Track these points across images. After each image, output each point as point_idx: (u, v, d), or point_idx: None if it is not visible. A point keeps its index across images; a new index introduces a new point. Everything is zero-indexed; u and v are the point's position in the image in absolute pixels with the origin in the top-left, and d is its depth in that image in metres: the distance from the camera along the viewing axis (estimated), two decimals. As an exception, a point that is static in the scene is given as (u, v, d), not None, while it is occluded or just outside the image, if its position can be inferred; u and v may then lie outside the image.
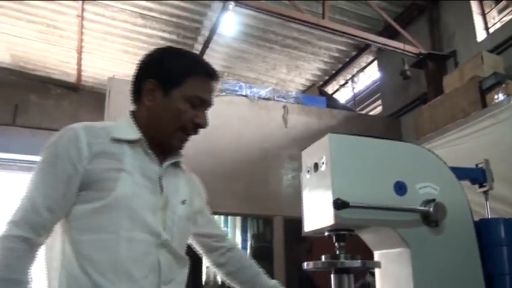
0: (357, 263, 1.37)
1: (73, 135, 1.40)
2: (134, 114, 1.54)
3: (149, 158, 1.47)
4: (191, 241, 1.71)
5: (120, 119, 1.55)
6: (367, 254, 1.59)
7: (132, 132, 1.48)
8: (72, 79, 8.23)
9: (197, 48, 7.18)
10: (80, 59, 7.59)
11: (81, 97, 8.43)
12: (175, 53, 1.58)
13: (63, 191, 1.35)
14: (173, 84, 1.48)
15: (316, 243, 4.96)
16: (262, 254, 5.88)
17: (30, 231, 1.28)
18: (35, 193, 1.33)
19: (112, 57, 7.55)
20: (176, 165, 1.59)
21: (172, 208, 1.48)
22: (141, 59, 1.58)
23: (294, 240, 5.47)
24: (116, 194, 1.36)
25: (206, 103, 1.54)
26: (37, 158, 1.41)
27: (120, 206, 1.36)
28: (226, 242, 1.79)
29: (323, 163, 1.41)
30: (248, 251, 6.83)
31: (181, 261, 1.50)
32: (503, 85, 3.98)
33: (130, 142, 1.45)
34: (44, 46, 7.27)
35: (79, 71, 7.96)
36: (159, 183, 1.47)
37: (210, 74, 1.54)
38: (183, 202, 1.54)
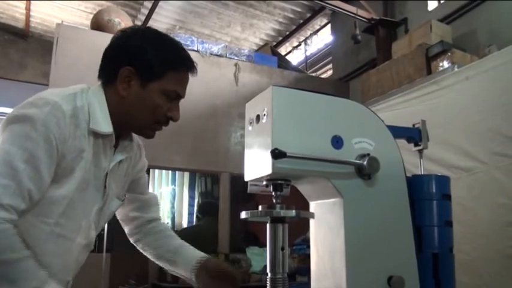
0: (291, 213, 1.41)
1: (59, 115, 1.31)
2: (106, 97, 1.45)
3: (105, 153, 1.45)
4: None
5: (92, 97, 1.44)
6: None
7: (106, 124, 1.42)
8: (21, 24, 7.89)
9: (150, -1, 7.00)
10: (29, 4, 7.26)
11: (29, 45, 8.10)
12: (156, 42, 1.48)
13: (47, 177, 1.29)
14: (153, 76, 1.43)
15: (261, 200, 5.06)
16: (208, 210, 5.95)
17: (15, 214, 1.21)
18: (20, 174, 1.22)
19: (62, 3, 7.25)
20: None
21: (109, 205, 1.52)
22: (117, 37, 1.49)
23: (240, 198, 5.56)
24: (63, 189, 1.34)
25: (181, 97, 1.52)
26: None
27: (62, 202, 1.35)
28: (150, 213, 1.78)
29: (265, 115, 1.43)
30: (195, 208, 6.90)
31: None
32: (449, 53, 4.10)
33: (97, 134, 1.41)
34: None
35: (27, 16, 7.62)
36: (104, 181, 1.47)
37: (190, 69, 1.52)
38: (120, 197, 1.59)
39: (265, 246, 1.44)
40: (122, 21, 5.05)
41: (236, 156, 5.26)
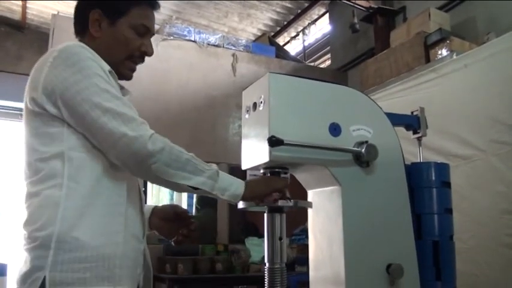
0: (289, 203, 1.40)
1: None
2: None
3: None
4: None
5: None
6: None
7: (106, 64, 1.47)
8: (17, 16, 7.83)
9: (146, -10, 6.93)
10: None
11: (25, 36, 8.02)
12: None
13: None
14: (119, 13, 1.49)
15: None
16: (207, 201, 5.94)
17: None
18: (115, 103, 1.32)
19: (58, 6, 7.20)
20: None
21: None
22: None
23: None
24: None
25: (150, 32, 1.57)
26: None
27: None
28: None
29: (262, 102, 1.42)
30: (194, 199, 6.90)
31: None
32: (448, 41, 4.07)
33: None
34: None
35: (24, 7, 7.55)
36: None
37: (152, 4, 1.60)
38: None
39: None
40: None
41: (234, 146, 5.24)
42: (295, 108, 1.41)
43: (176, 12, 7.50)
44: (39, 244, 1.23)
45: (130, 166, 1.31)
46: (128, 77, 1.57)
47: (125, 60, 1.52)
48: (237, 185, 1.36)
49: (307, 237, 3.48)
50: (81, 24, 1.52)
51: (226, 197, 1.35)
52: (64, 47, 1.37)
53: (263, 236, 3.70)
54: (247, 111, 1.52)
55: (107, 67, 1.40)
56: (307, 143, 1.36)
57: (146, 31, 1.55)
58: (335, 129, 1.45)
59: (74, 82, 1.29)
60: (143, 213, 1.50)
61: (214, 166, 1.38)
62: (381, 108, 1.60)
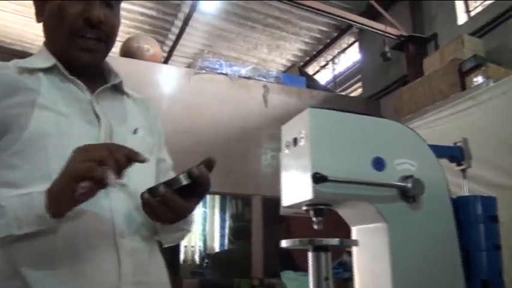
0: (335, 241, 1.36)
1: None
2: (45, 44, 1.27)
3: (74, 84, 1.17)
4: None
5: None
6: (345, 231, 1.59)
7: (45, 59, 1.19)
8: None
9: (177, 25, 7.09)
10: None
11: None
12: None
13: None
14: None
15: (293, 222, 4.98)
16: (240, 233, 5.90)
17: None
18: None
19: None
20: (116, 89, 1.29)
21: (120, 139, 1.13)
22: None
23: (272, 220, 5.50)
24: (29, 131, 1.05)
25: None
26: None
27: (40, 147, 1.05)
28: None
29: (302, 138, 1.39)
30: (227, 230, 6.87)
31: None
32: (483, 68, 4.01)
33: (45, 71, 1.16)
34: (23, 20, 7.08)
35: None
36: (92, 111, 1.15)
37: None
38: (135, 131, 1.23)
39: (301, 270, 1.39)
40: (151, 47, 5.11)
41: (267, 178, 5.21)
42: (336, 142, 1.38)
43: (207, 46, 7.63)
44: None
45: None
46: (83, 60, 1.18)
47: (69, 38, 1.16)
48: (35, 203, 0.93)
49: (345, 270, 3.41)
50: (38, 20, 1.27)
51: (27, 228, 0.94)
52: None
53: (300, 270, 3.59)
54: (287, 146, 1.49)
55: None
56: (351, 178, 1.32)
57: None
58: (379, 164, 1.40)
59: None
60: None
61: None
62: (424, 140, 1.55)
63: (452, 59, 4.35)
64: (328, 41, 7.86)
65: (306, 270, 1.48)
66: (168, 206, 1.01)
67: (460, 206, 1.58)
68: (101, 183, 0.91)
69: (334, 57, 8.26)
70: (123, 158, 0.93)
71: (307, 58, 8.39)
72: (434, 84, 4.38)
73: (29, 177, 1.03)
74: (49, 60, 1.17)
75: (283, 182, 1.52)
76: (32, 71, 1.16)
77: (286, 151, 1.51)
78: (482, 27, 4.97)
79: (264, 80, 5.70)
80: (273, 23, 7.28)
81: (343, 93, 7.82)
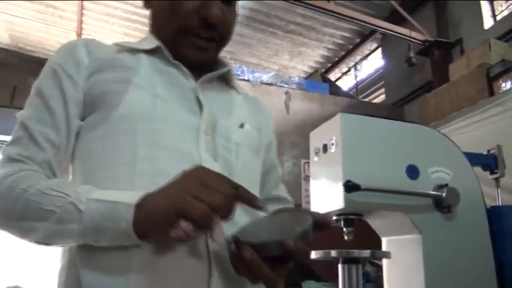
0: (366, 253, 1.31)
1: (70, 45, 1.04)
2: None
3: (177, 70, 1.04)
4: None
5: None
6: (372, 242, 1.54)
7: (149, 41, 1.07)
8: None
9: (199, 31, 7.09)
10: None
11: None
12: None
13: (61, 112, 0.96)
14: None
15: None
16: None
17: (35, 164, 0.92)
18: (29, 121, 0.97)
19: (112, 41, 7.45)
20: (224, 81, 1.15)
21: (225, 132, 1.01)
22: None
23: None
24: (120, 110, 0.94)
25: None
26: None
27: (129, 129, 0.93)
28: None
29: (333, 144, 1.34)
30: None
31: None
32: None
33: (147, 52, 1.05)
34: (43, 27, 7.16)
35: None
36: (195, 100, 1.02)
37: None
38: (242, 125, 1.08)
39: (322, 280, 1.34)
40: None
41: (289, 185, 5.12)
42: (369, 150, 1.33)
43: (228, 52, 7.62)
44: None
45: None
46: (194, 58, 1.05)
47: (181, 35, 1.03)
48: (121, 216, 0.78)
49: (367, 281, 3.32)
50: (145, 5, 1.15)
51: (105, 242, 0.81)
52: None
53: (320, 280, 3.49)
54: (316, 153, 1.45)
55: (81, 58, 1.00)
56: (384, 187, 1.27)
57: None
58: (413, 172, 1.35)
59: None
60: None
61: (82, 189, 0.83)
62: (458, 148, 1.49)
63: (480, 64, 4.25)
64: (351, 47, 7.79)
65: (325, 280, 1.43)
66: (251, 271, 0.79)
67: (494, 216, 1.52)
68: (203, 233, 0.77)
69: (357, 63, 8.19)
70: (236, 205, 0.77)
71: (329, 65, 8.33)
72: (461, 90, 4.28)
73: (110, 163, 0.91)
74: (153, 43, 1.06)
75: (313, 190, 1.48)
76: (133, 50, 1.06)
77: (315, 158, 1.46)
78: (509, 31, 4.87)
79: (286, 86, 5.65)
80: (294, 29, 7.24)
81: (366, 99, 7.74)
